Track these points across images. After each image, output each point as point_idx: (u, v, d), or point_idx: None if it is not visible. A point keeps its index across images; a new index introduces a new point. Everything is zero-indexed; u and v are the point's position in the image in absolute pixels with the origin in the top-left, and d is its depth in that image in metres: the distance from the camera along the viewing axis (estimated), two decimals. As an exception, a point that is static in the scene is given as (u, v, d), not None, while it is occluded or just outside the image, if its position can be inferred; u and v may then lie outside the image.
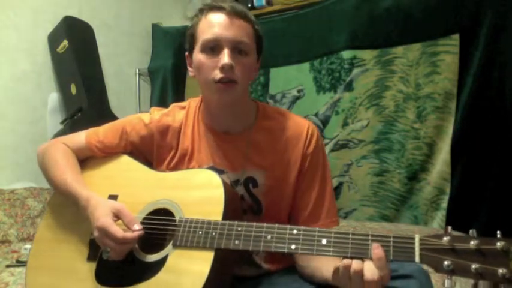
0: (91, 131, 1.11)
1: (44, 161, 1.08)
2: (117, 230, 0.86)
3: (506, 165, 1.83)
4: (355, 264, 0.71)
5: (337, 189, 2.27)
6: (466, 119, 1.92)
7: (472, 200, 1.90)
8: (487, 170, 1.87)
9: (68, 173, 1.02)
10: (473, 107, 1.91)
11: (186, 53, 1.04)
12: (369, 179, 2.21)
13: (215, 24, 0.94)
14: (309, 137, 1.02)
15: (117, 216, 0.90)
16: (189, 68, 1.03)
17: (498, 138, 1.85)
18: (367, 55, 2.20)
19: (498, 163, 1.85)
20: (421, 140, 2.06)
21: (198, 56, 0.96)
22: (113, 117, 2.55)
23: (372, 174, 2.20)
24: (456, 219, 1.92)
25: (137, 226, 0.89)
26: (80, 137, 1.11)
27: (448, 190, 1.97)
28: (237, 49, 0.94)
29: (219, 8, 0.95)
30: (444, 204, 1.98)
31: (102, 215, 0.89)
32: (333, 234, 0.76)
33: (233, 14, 0.95)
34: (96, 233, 0.89)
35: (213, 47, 0.94)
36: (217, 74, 0.93)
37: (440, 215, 1.99)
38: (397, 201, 2.14)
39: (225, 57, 0.92)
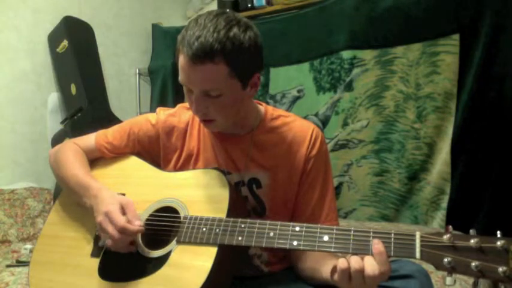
0: (100, 132, 1.13)
1: (56, 159, 1.11)
2: (121, 218, 0.88)
3: (506, 165, 1.83)
4: (355, 263, 0.71)
5: (337, 189, 2.27)
6: (466, 119, 1.92)
7: (472, 199, 1.90)
8: (486, 170, 1.87)
9: (80, 168, 1.05)
10: (473, 107, 1.91)
11: None
12: (369, 179, 2.21)
13: (182, 70, 0.89)
14: (313, 140, 1.02)
15: (123, 210, 0.92)
16: None
17: (498, 138, 1.85)
18: (367, 55, 2.20)
19: (498, 163, 1.85)
20: (421, 140, 2.06)
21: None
22: (113, 117, 2.57)
23: (372, 174, 2.20)
24: (456, 219, 1.92)
25: (139, 223, 0.90)
26: (90, 139, 1.13)
27: (448, 190, 1.97)
28: (207, 93, 0.90)
29: (184, 52, 0.86)
30: (444, 204, 1.98)
31: (111, 203, 0.92)
32: (334, 231, 0.77)
33: (195, 59, 0.84)
34: (100, 217, 0.90)
35: (186, 88, 0.93)
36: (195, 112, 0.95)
37: (440, 215, 1.99)
38: (397, 201, 2.14)
39: (193, 106, 0.93)
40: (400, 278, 0.79)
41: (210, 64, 0.85)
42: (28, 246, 1.70)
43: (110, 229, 0.88)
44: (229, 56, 0.85)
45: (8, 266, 1.54)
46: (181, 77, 0.91)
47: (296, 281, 0.96)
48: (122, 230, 0.87)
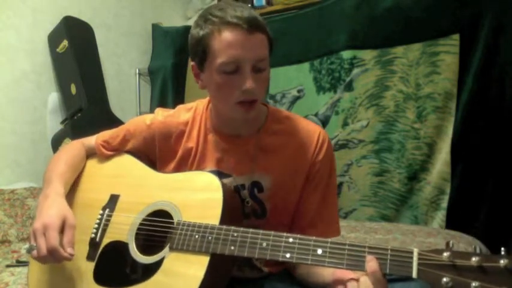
0: (101, 133, 1.14)
1: (54, 156, 1.12)
2: (56, 238, 0.84)
3: (506, 165, 1.83)
4: None
5: (337, 189, 2.27)
6: (466, 119, 1.92)
7: (472, 200, 1.90)
8: (487, 170, 1.87)
9: (61, 166, 1.03)
10: (473, 107, 1.91)
11: (192, 63, 0.96)
12: (369, 179, 2.21)
13: (233, 44, 0.86)
14: (319, 144, 1.00)
15: (63, 228, 0.87)
16: (196, 79, 0.98)
17: (498, 138, 1.85)
18: (367, 55, 2.20)
19: (498, 163, 1.85)
20: (421, 140, 2.06)
21: (215, 76, 0.90)
22: (113, 117, 2.57)
23: (372, 174, 2.20)
24: (456, 219, 1.92)
25: (71, 250, 0.85)
26: (92, 138, 1.15)
27: (448, 190, 1.97)
28: (256, 67, 0.89)
29: (235, 25, 0.86)
30: (444, 204, 1.98)
31: (55, 215, 0.87)
32: (328, 245, 0.74)
33: (250, 29, 0.86)
34: (37, 225, 0.86)
35: (232, 68, 0.88)
36: (239, 97, 0.89)
37: (440, 215, 1.99)
38: (397, 201, 2.14)
39: (248, 82, 0.87)
40: (401, 280, 0.78)
41: (261, 34, 0.89)
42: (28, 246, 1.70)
43: (41, 243, 0.84)
44: (268, 32, 0.92)
45: (8, 266, 1.54)
46: (228, 55, 0.86)
47: (296, 283, 0.96)
48: (52, 251, 0.83)
